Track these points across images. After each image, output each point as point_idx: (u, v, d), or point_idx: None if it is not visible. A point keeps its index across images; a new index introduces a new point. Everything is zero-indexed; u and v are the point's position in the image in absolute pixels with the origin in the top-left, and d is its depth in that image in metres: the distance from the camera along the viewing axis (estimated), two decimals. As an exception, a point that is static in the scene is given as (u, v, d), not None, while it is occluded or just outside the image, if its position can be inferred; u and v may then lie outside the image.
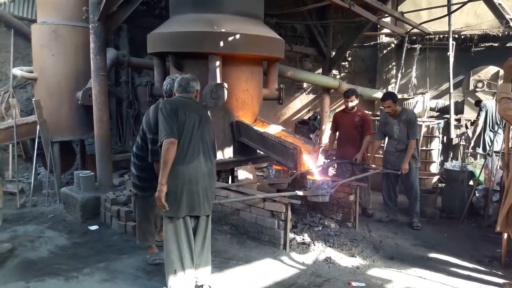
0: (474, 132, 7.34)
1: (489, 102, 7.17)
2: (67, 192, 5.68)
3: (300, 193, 4.71)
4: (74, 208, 5.50)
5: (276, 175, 5.44)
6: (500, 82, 6.82)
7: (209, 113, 4.13)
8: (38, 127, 6.31)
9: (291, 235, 4.64)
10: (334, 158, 6.37)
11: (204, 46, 4.91)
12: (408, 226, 5.64)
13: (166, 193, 3.26)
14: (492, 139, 6.87)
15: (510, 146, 4.26)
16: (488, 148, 6.93)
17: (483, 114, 7.12)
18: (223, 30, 4.88)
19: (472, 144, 7.35)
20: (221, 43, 4.87)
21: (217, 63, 4.91)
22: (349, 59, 9.88)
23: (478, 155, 7.06)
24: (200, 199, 3.39)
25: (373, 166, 6.17)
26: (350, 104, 6.03)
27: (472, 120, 7.81)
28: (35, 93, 6.84)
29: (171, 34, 5.08)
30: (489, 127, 7.09)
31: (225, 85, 4.84)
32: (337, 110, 6.79)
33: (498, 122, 6.95)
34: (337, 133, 6.39)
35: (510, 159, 3.93)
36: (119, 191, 5.54)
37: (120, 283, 3.76)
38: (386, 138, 5.98)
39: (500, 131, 6.74)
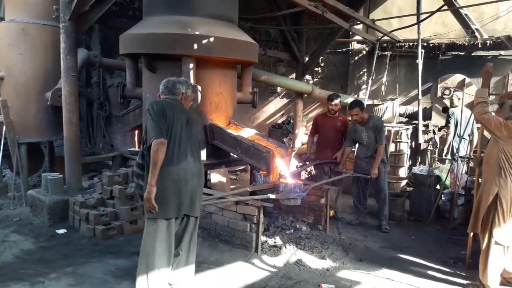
0: (446, 140, 7.55)
1: (457, 110, 7.41)
2: (34, 195, 5.53)
3: (272, 196, 4.75)
4: (41, 211, 5.36)
5: (264, 181, 5.44)
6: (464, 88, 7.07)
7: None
8: (4, 127, 6.13)
9: (263, 238, 4.65)
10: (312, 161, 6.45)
11: (177, 48, 4.89)
12: (377, 229, 5.76)
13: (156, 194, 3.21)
14: (458, 145, 7.12)
15: (477, 149, 4.43)
16: (455, 153, 7.17)
17: (453, 122, 7.34)
18: (197, 32, 4.87)
19: (445, 151, 7.58)
20: (195, 46, 4.86)
21: (191, 65, 4.90)
22: (322, 64, 10.03)
23: (446, 160, 7.28)
24: (189, 199, 3.37)
25: (344, 170, 6.28)
26: (335, 108, 6.14)
27: (439, 126, 8.05)
28: (1, 92, 6.63)
29: (144, 35, 5.04)
30: (457, 134, 7.33)
31: (199, 87, 4.84)
32: (317, 114, 6.84)
33: (466, 129, 7.19)
34: (316, 137, 6.47)
35: (483, 162, 4.06)
36: (88, 194, 5.44)
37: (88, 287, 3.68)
38: (357, 144, 6.10)
39: (467, 137, 6.99)
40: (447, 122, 7.49)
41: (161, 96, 3.53)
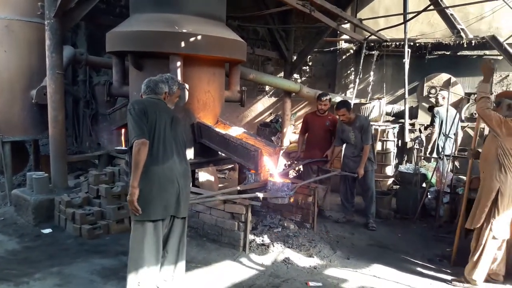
0: (431, 138, 7.65)
1: (442, 109, 7.50)
2: (18, 194, 5.45)
3: (260, 194, 4.75)
4: (26, 211, 5.28)
5: (255, 180, 5.36)
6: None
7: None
8: (-13, 126, 6.03)
9: (251, 237, 4.66)
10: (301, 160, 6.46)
11: (164, 46, 4.87)
12: (364, 226, 5.80)
13: (139, 195, 3.13)
14: (444, 144, 7.22)
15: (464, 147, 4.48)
16: (440, 152, 7.28)
17: (438, 121, 7.43)
18: (184, 30, 4.85)
19: (429, 150, 7.69)
20: (182, 44, 4.84)
21: (178, 63, 4.88)
22: (310, 63, 10.05)
23: (432, 159, 7.37)
24: (176, 200, 3.30)
25: (332, 169, 6.32)
26: (324, 107, 6.17)
27: (425, 125, 8.14)
28: (-16, 90, 6.52)
29: (131, 33, 5.00)
30: (442, 133, 7.42)
31: (186, 86, 4.82)
32: (307, 113, 6.85)
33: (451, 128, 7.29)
34: (306, 135, 6.49)
35: (481, 158, 4.10)
36: (74, 193, 5.38)
37: None
38: (345, 144, 6.13)
39: (452, 136, 7.10)
40: (432, 121, 7.58)
41: (143, 96, 3.44)
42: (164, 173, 3.22)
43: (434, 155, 7.42)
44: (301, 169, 7.32)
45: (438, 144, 7.46)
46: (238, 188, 5.08)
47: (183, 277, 3.58)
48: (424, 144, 7.73)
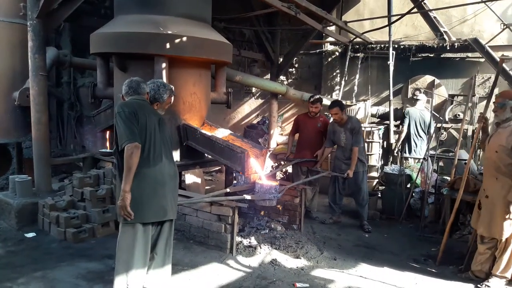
0: (399, 138, 7.78)
1: (412, 110, 7.64)
2: (1, 198, 5.35)
3: (248, 197, 4.74)
4: (9, 215, 5.19)
5: (245, 182, 5.32)
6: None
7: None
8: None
9: (238, 239, 4.65)
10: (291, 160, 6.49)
11: (149, 47, 4.84)
12: (359, 228, 5.82)
13: (132, 197, 3.08)
14: (417, 145, 7.40)
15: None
16: (414, 152, 7.43)
17: (406, 121, 7.60)
18: (169, 32, 4.83)
19: (396, 150, 7.83)
20: (168, 45, 4.82)
21: (163, 65, 4.85)
22: (296, 65, 10.10)
23: (413, 159, 7.47)
24: (168, 202, 3.27)
25: (321, 169, 6.34)
26: (315, 110, 6.19)
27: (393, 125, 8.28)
28: (-35, 92, 6.39)
29: (116, 34, 4.96)
30: (414, 134, 7.55)
31: (172, 87, 4.78)
32: (299, 114, 6.85)
33: (423, 128, 7.45)
34: (296, 136, 6.51)
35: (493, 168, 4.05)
36: (58, 196, 5.30)
37: (59, 292, 3.60)
38: (335, 146, 6.13)
39: (424, 137, 7.24)
40: (402, 121, 7.71)
41: (124, 97, 3.36)
42: (156, 175, 3.19)
43: (406, 155, 7.51)
44: (289, 171, 7.35)
45: (411, 145, 7.57)
46: (227, 190, 5.06)
47: (169, 280, 3.55)
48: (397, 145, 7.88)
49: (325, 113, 7.10)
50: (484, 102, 8.17)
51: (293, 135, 6.60)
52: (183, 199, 4.60)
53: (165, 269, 3.47)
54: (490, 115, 5.25)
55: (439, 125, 6.91)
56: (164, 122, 3.43)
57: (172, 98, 3.65)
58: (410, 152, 7.57)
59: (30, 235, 4.91)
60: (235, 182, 5.65)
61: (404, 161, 7.25)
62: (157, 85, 3.51)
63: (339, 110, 5.73)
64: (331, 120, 6.09)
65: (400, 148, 7.82)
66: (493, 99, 4.31)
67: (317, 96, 6.37)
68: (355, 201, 6.07)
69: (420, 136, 7.51)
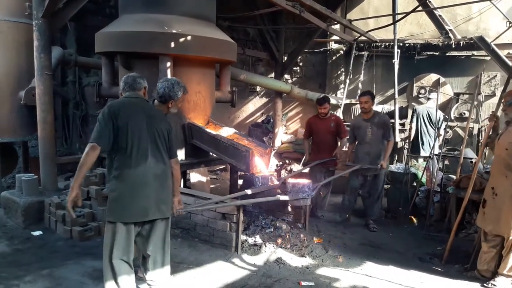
0: (409, 136, 7.71)
1: (420, 107, 7.59)
2: (7, 196, 5.39)
3: (283, 197, 4.62)
4: (15, 213, 5.22)
5: (263, 183, 5.17)
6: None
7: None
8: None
9: (243, 237, 4.65)
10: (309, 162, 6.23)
11: (154, 46, 4.85)
12: (365, 227, 5.78)
13: (114, 196, 3.11)
14: (424, 142, 7.33)
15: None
16: (422, 150, 7.37)
17: (414, 119, 7.53)
18: (174, 31, 4.84)
19: (409, 147, 7.76)
20: (172, 44, 4.83)
21: (168, 64, 4.87)
22: (300, 64, 10.09)
23: (418, 157, 7.44)
24: (151, 202, 3.21)
25: (350, 163, 5.90)
26: (324, 111, 6.05)
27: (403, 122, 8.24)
28: (-27, 92, 6.44)
29: (120, 33, 4.98)
30: (422, 131, 7.48)
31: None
32: (310, 117, 6.60)
33: (432, 125, 7.38)
34: (311, 139, 6.34)
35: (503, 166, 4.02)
36: (64, 194, 5.32)
37: (65, 290, 3.61)
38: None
39: (432, 134, 7.17)
40: (411, 120, 7.66)
41: (122, 93, 3.32)
42: (137, 176, 3.12)
43: (420, 152, 7.44)
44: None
45: (419, 142, 7.50)
46: (248, 192, 4.91)
47: (169, 277, 3.53)
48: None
49: (331, 111, 7.04)
50: (490, 101, 8.18)
51: (307, 138, 6.41)
52: (188, 198, 4.61)
53: (164, 267, 3.43)
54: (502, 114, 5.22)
55: (452, 124, 6.88)
56: (158, 118, 3.30)
57: (186, 95, 3.65)
58: (418, 150, 7.48)
59: (37, 233, 4.94)
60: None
61: (410, 160, 7.22)
62: (171, 83, 3.49)
63: (370, 98, 5.55)
64: (359, 112, 5.90)
65: (410, 146, 7.74)
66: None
67: (323, 96, 6.31)
68: (366, 200, 5.90)
69: (428, 133, 7.43)
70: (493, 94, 8.32)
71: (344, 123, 6.51)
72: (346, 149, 6.24)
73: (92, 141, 3.02)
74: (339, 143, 6.24)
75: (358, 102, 8.11)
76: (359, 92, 8.92)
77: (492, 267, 4.07)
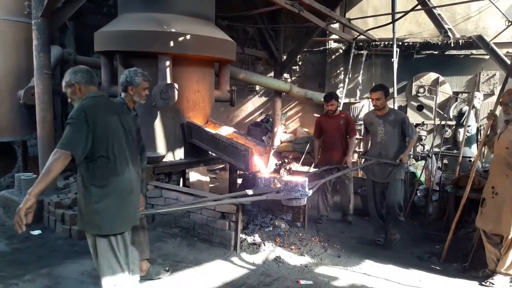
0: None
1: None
2: (7, 196, 5.40)
3: (271, 196, 4.51)
4: (14, 212, 5.21)
5: (266, 184, 5.05)
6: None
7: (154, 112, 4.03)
8: (-26, 127, 5.95)
9: (242, 236, 4.66)
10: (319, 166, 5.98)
11: (153, 45, 4.86)
12: (364, 228, 5.69)
13: (103, 209, 2.85)
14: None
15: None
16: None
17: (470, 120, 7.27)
18: (173, 30, 4.85)
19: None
20: (171, 43, 4.84)
21: (167, 63, 4.87)
22: (300, 63, 10.09)
23: (419, 156, 7.43)
24: (137, 208, 3.14)
25: (368, 158, 5.30)
26: (332, 108, 5.83)
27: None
28: (-29, 91, 6.43)
29: (120, 32, 4.98)
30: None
31: (175, 85, 4.81)
32: (319, 116, 6.44)
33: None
34: (321, 138, 6.08)
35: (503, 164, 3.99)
36: (63, 194, 5.33)
37: (64, 289, 3.62)
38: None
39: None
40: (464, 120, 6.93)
41: (81, 88, 2.93)
42: (124, 182, 2.95)
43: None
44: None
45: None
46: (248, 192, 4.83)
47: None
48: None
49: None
50: (490, 99, 8.18)
51: (318, 137, 6.08)
52: (188, 197, 4.62)
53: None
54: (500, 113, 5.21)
55: (451, 123, 6.82)
56: (126, 118, 3.09)
57: (147, 84, 3.52)
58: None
59: (36, 232, 4.94)
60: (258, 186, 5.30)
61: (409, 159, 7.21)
62: (130, 71, 3.49)
63: (382, 94, 4.88)
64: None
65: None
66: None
67: (329, 92, 6.18)
68: (386, 216, 5.13)
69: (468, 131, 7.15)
70: (491, 93, 8.33)
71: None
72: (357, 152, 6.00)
73: (65, 147, 2.69)
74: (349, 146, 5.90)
75: (357, 102, 8.15)
76: (358, 90, 8.94)
77: None
